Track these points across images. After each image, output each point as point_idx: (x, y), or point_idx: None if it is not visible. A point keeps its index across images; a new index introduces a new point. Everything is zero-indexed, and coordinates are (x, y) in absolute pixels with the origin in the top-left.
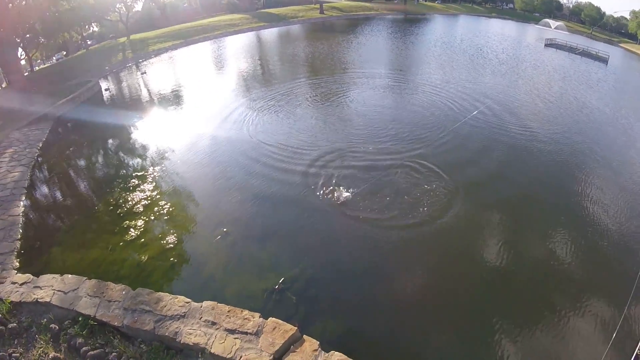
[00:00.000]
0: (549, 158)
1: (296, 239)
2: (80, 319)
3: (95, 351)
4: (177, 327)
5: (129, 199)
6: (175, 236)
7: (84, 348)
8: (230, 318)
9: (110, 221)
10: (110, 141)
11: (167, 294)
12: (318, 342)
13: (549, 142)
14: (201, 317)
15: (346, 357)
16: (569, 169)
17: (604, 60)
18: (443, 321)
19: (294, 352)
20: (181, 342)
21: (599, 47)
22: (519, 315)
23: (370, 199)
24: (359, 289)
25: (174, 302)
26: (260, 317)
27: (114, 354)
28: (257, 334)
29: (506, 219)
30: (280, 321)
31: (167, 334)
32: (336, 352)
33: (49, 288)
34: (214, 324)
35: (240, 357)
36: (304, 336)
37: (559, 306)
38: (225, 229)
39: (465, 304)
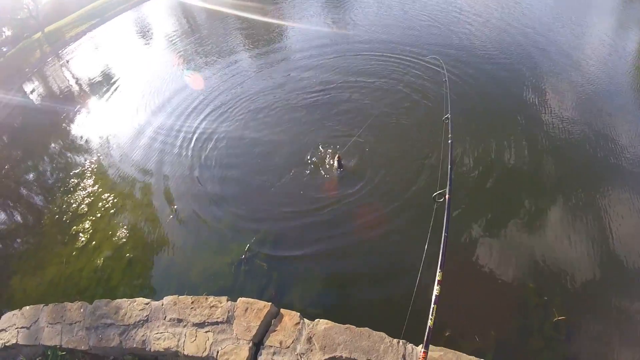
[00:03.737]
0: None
1: (253, 196)
2: (49, 352)
3: None
4: (143, 335)
5: (72, 201)
6: (125, 228)
7: None
8: (195, 310)
9: (59, 231)
10: (46, 144)
11: (125, 299)
12: (298, 314)
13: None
14: (165, 317)
15: (333, 322)
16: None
17: None
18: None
19: (274, 331)
20: (152, 350)
21: None
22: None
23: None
24: (335, 230)
25: (133, 306)
26: (228, 300)
27: None
28: (229, 320)
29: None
30: (251, 300)
31: (135, 345)
32: (321, 320)
33: (13, 327)
34: (180, 321)
35: (217, 352)
36: (282, 310)
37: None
38: (175, 206)
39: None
